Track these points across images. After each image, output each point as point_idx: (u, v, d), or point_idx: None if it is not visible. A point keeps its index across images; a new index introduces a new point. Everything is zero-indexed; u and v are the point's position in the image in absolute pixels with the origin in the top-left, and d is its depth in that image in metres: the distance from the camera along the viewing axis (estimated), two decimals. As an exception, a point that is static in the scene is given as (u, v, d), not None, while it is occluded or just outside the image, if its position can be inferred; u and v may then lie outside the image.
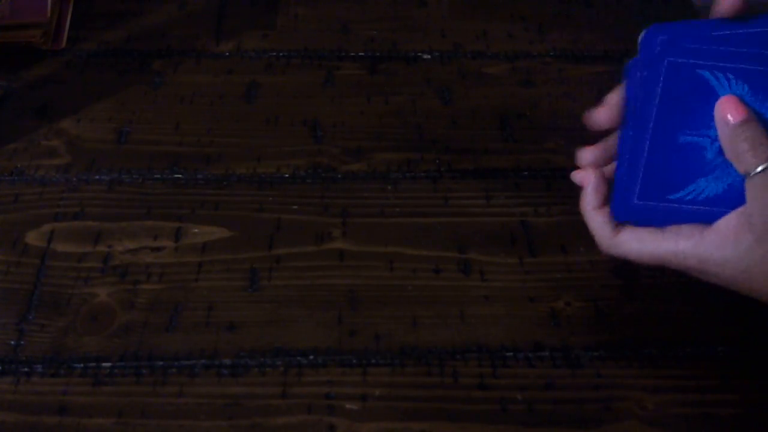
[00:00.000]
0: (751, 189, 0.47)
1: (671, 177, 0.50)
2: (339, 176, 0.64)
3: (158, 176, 0.64)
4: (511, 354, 0.53)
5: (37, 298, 0.55)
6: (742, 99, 0.49)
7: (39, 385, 0.51)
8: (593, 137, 0.54)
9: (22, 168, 0.64)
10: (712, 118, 0.49)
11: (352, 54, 0.75)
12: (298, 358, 0.53)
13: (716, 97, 0.49)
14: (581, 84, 0.73)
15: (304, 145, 0.67)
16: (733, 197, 0.48)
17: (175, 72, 0.73)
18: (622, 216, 0.52)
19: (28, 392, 0.50)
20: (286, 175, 0.64)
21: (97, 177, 0.63)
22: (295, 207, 0.62)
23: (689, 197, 0.50)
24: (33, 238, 0.59)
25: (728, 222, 0.48)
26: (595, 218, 0.52)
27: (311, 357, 0.53)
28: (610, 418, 0.50)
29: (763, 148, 0.47)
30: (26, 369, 0.52)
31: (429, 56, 0.75)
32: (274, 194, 0.63)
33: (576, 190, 0.56)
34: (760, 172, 0.47)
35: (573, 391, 0.52)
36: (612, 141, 0.53)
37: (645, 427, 0.50)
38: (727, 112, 0.48)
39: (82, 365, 0.52)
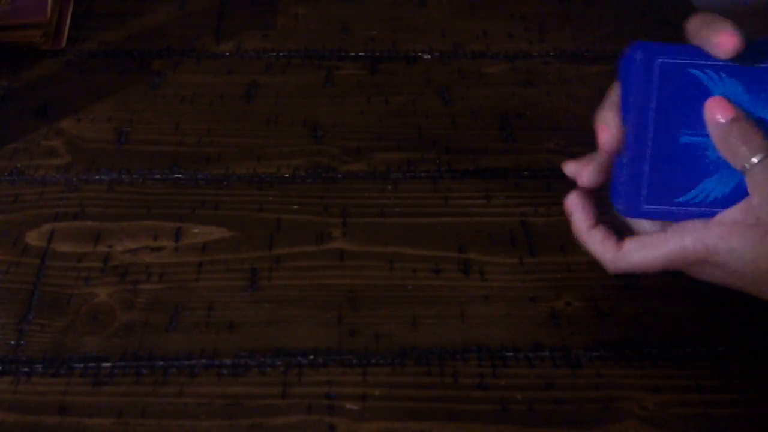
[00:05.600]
0: (751, 181, 0.47)
1: (677, 180, 0.50)
2: (339, 176, 0.64)
3: (158, 176, 0.64)
4: (511, 354, 0.53)
5: (37, 298, 0.55)
6: (735, 97, 0.49)
7: (39, 385, 0.51)
8: (592, 137, 0.54)
9: (22, 168, 0.64)
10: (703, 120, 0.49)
11: (352, 54, 0.75)
12: (298, 358, 0.53)
13: (711, 96, 0.49)
14: (581, 84, 0.73)
15: (304, 145, 0.67)
16: (739, 198, 0.48)
17: (175, 72, 0.73)
18: (631, 214, 0.51)
19: (28, 392, 0.50)
20: (286, 175, 0.64)
21: (97, 177, 0.63)
22: (295, 207, 0.62)
23: (697, 199, 0.50)
24: (33, 238, 0.59)
25: (733, 214, 0.48)
26: (594, 237, 0.51)
27: (311, 357, 0.53)
28: (610, 418, 0.50)
29: (756, 140, 0.47)
30: (26, 369, 0.52)
31: (429, 56, 0.75)
32: (274, 194, 0.63)
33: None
34: (757, 163, 0.47)
35: (573, 391, 0.52)
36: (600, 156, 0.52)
37: (645, 427, 0.50)
38: (716, 112, 0.48)
39: (82, 365, 0.52)
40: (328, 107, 0.70)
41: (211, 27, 0.78)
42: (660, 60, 0.49)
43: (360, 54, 0.75)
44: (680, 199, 0.50)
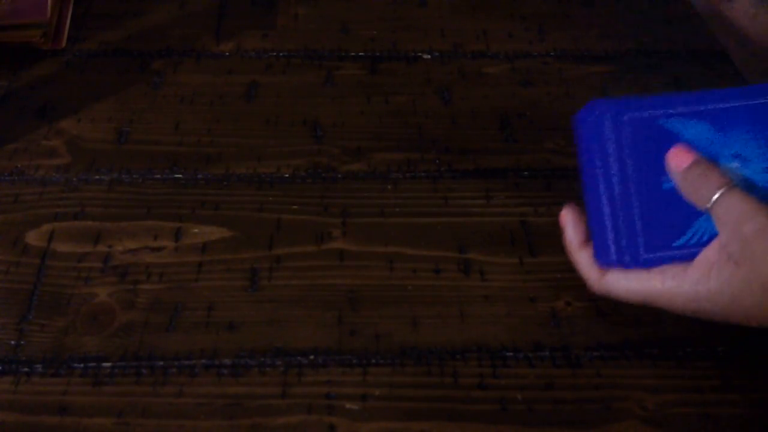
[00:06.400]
0: (716, 219, 0.48)
1: (670, 224, 0.50)
2: (339, 176, 0.64)
3: (158, 176, 0.64)
4: (511, 354, 0.53)
5: (37, 298, 0.55)
6: (702, 139, 0.50)
7: (39, 385, 0.51)
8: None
9: (22, 168, 0.64)
10: None
11: (352, 54, 0.75)
12: (298, 358, 0.53)
13: (681, 139, 0.50)
14: (581, 84, 0.73)
15: (304, 145, 0.67)
16: None
17: (175, 72, 0.73)
18: (630, 264, 0.51)
19: (28, 392, 0.50)
20: (286, 175, 0.64)
21: (97, 177, 0.63)
22: (295, 207, 0.62)
23: (693, 240, 0.50)
24: (33, 238, 0.59)
25: (707, 255, 0.49)
26: (582, 257, 0.53)
27: (311, 357, 0.53)
28: (610, 418, 0.50)
29: (714, 178, 0.48)
30: (26, 369, 0.52)
31: (429, 56, 0.75)
32: (274, 194, 0.63)
33: (577, 190, 0.56)
34: (716, 200, 0.47)
35: (573, 391, 0.52)
36: None
37: (645, 427, 0.50)
38: (675, 161, 0.49)
39: (82, 365, 0.52)
40: (328, 107, 0.70)
41: (211, 27, 0.78)
42: (628, 116, 0.49)
43: (360, 54, 0.75)
44: (678, 243, 0.50)
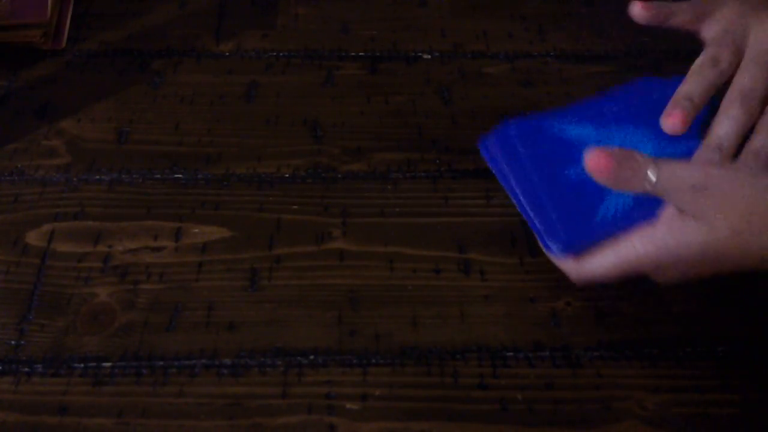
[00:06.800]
0: (660, 194, 0.49)
1: (583, 204, 0.53)
2: (339, 176, 0.64)
3: (158, 176, 0.64)
4: (511, 354, 0.53)
5: (37, 298, 0.55)
6: (586, 136, 0.55)
7: (39, 385, 0.51)
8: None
9: (22, 168, 0.64)
10: (578, 155, 0.50)
11: (352, 54, 0.75)
12: (298, 358, 0.53)
13: (569, 138, 0.56)
14: (581, 84, 0.73)
15: (304, 145, 0.67)
16: (647, 200, 0.50)
17: (175, 72, 0.73)
18: (562, 251, 0.53)
19: (28, 392, 0.51)
20: (286, 175, 0.64)
21: (97, 177, 0.63)
22: (295, 207, 0.62)
23: (610, 213, 0.52)
24: (33, 238, 0.59)
25: (668, 212, 0.50)
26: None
27: (311, 357, 0.53)
28: (610, 418, 0.50)
29: (640, 166, 0.48)
30: (26, 369, 0.52)
31: (429, 56, 0.75)
32: (274, 194, 0.63)
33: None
34: (656, 181, 0.48)
35: (573, 391, 0.52)
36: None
37: (645, 427, 0.50)
38: (596, 167, 0.49)
39: (82, 365, 0.52)
40: (328, 107, 0.70)
41: (211, 27, 0.78)
42: (512, 126, 0.57)
43: (360, 54, 0.75)
44: (595, 220, 0.52)
